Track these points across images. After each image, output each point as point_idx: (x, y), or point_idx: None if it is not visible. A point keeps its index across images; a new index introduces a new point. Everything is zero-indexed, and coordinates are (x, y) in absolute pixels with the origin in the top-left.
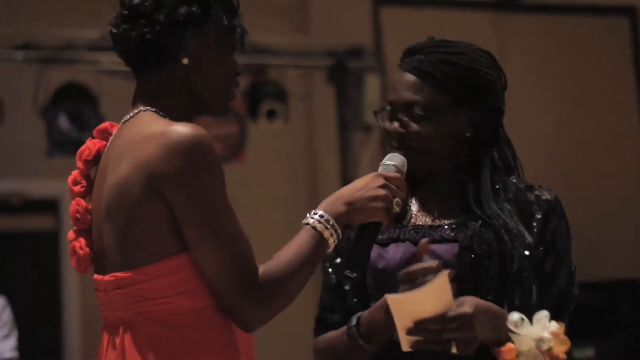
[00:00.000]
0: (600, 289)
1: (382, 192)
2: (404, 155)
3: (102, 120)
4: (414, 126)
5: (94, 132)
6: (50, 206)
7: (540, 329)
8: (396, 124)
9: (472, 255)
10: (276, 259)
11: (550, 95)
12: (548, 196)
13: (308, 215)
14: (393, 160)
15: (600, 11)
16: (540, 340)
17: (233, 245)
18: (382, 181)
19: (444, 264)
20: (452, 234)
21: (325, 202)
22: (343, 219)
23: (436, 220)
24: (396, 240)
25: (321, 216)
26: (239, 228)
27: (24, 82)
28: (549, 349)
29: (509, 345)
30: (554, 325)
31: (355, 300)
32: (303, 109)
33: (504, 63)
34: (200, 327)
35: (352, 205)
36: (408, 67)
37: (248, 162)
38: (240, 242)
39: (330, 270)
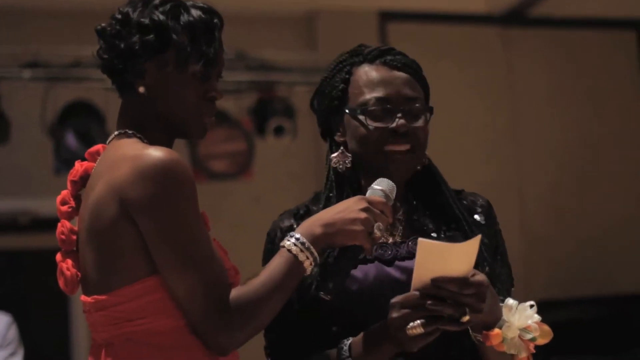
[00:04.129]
0: (615, 303)
1: (363, 215)
2: (406, 155)
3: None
4: (419, 122)
5: (85, 154)
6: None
7: (525, 318)
8: (402, 120)
9: None
10: (250, 282)
11: (558, 110)
12: (482, 200)
13: (285, 237)
14: (381, 185)
15: (607, 25)
16: (524, 330)
17: (202, 270)
18: (364, 204)
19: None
20: None
21: (303, 225)
22: (321, 241)
23: (397, 237)
24: (364, 260)
25: (297, 239)
26: (210, 252)
27: (31, 100)
28: (532, 339)
29: (497, 330)
30: (537, 317)
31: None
32: (311, 125)
33: (511, 77)
34: (181, 346)
35: (331, 227)
36: (397, 64)
37: (256, 178)
38: (210, 266)
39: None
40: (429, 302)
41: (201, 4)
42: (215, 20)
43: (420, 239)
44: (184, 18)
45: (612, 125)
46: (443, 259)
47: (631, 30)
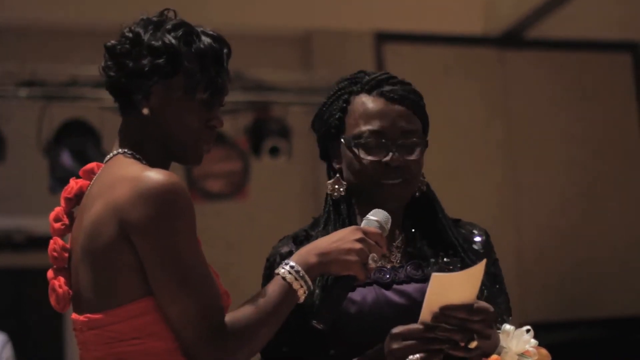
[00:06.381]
0: (613, 325)
1: (358, 245)
2: (400, 187)
3: (105, 157)
4: (413, 155)
5: (80, 172)
6: None
7: (523, 343)
8: (395, 154)
9: None
10: (244, 308)
11: (553, 131)
12: (479, 230)
13: (280, 265)
14: (376, 216)
15: (602, 47)
16: (523, 355)
17: (197, 293)
18: (359, 235)
19: (415, 304)
20: (417, 272)
21: (299, 253)
22: (315, 270)
23: (395, 263)
24: (362, 283)
25: (292, 267)
26: (206, 276)
27: (27, 118)
28: None
29: (495, 356)
30: (534, 341)
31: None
32: (306, 146)
33: (508, 98)
34: None
35: (326, 257)
36: (394, 97)
37: (251, 198)
38: (205, 291)
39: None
40: (439, 330)
41: (211, 32)
42: (225, 50)
43: (434, 273)
44: (196, 45)
45: (606, 146)
46: (452, 287)
47: (626, 52)
